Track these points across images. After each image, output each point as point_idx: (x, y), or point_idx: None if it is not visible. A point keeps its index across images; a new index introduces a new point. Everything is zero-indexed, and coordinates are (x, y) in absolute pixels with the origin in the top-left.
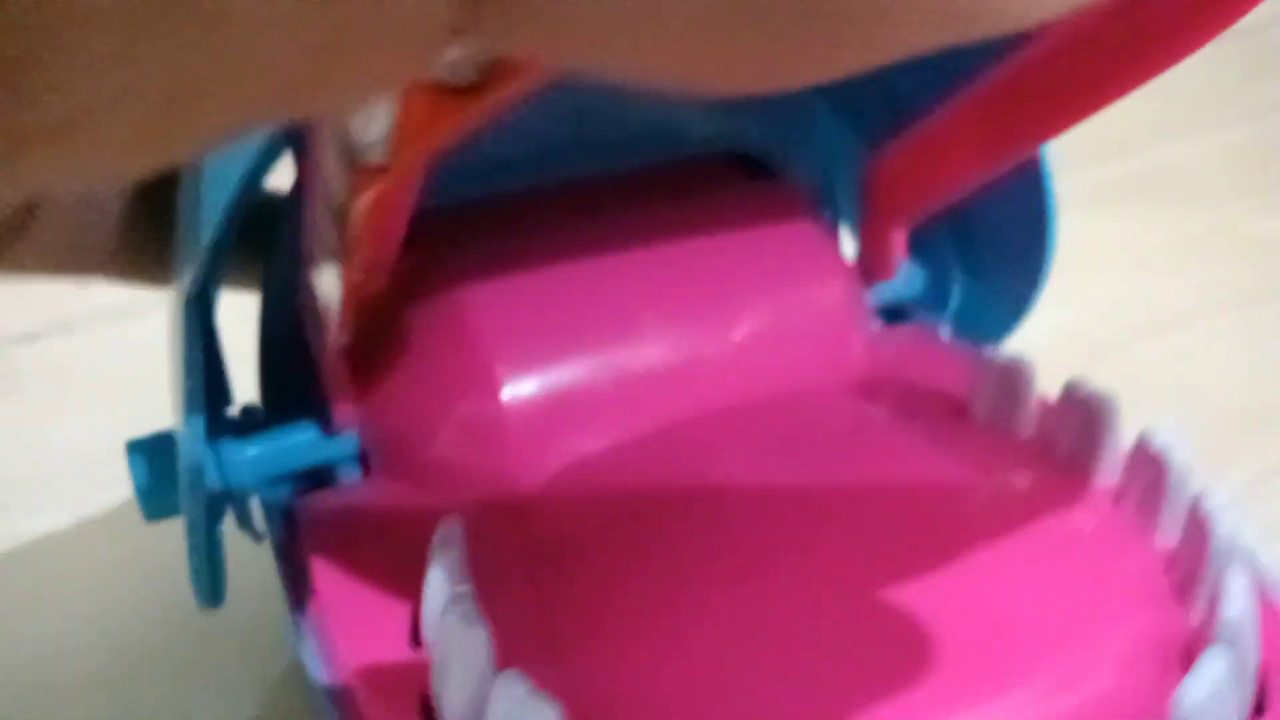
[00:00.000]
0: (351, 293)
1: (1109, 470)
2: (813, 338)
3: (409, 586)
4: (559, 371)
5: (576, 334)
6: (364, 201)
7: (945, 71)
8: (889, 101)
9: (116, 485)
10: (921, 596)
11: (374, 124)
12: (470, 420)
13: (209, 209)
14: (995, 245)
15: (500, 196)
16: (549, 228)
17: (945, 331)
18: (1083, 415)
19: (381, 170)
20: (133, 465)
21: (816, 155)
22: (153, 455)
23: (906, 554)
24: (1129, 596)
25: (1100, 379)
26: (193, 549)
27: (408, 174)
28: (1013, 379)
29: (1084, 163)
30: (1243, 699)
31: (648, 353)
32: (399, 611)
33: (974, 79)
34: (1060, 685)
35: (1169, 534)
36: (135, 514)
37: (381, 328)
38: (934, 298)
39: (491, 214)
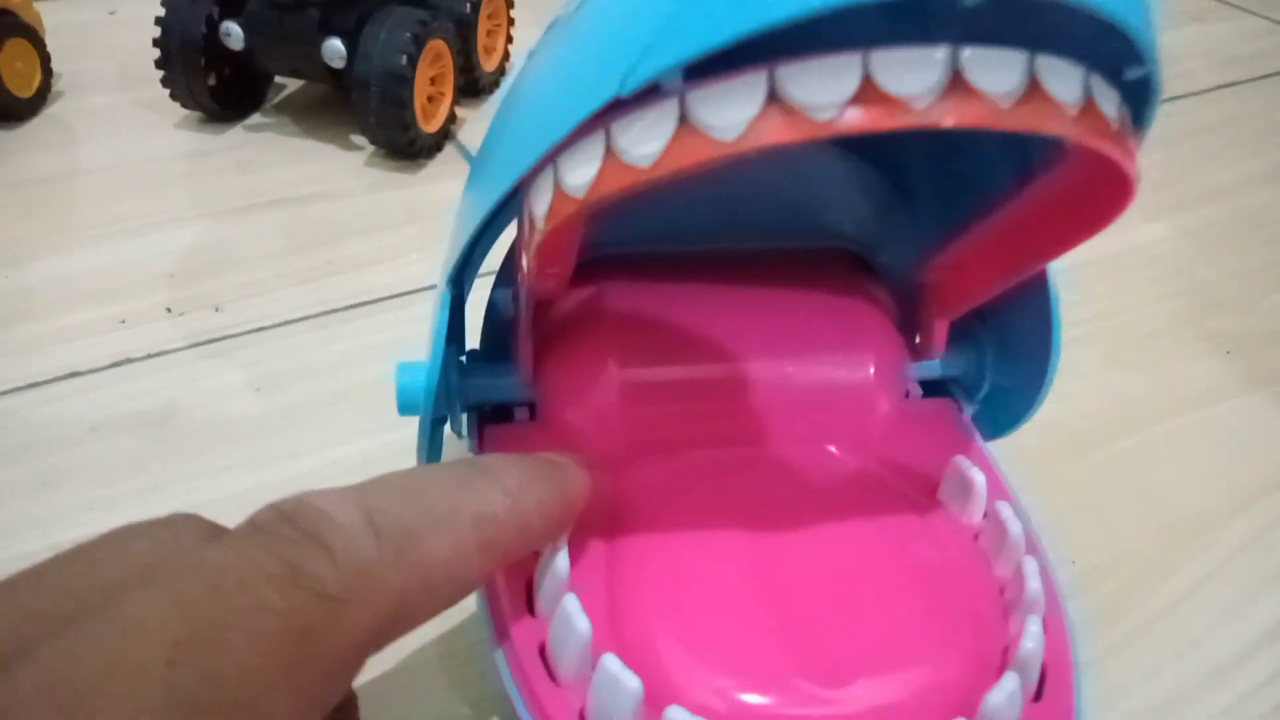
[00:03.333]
0: (537, 297)
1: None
2: (852, 389)
3: None
4: (658, 381)
5: (677, 357)
6: (535, 244)
7: (976, 206)
8: (943, 223)
9: None
10: (844, 595)
11: (540, 204)
12: (594, 401)
13: (463, 228)
14: (1018, 344)
15: (654, 254)
16: (680, 279)
17: (969, 410)
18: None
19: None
20: (399, 377)
21: (898, 256)
22: (411, 374)
23: (842, 566)
24: (977, 605)
25: (1076, 471)
26: (422, 437)
27: (559, 232)
28: (966, 481)
29: None
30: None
31: (726, 381)
32: None
33: (991, 216)
34: (930, 664)
35: (1003, 570)
36: None
37: (556, 321)
38: (972, 382)
39: (643, 263)
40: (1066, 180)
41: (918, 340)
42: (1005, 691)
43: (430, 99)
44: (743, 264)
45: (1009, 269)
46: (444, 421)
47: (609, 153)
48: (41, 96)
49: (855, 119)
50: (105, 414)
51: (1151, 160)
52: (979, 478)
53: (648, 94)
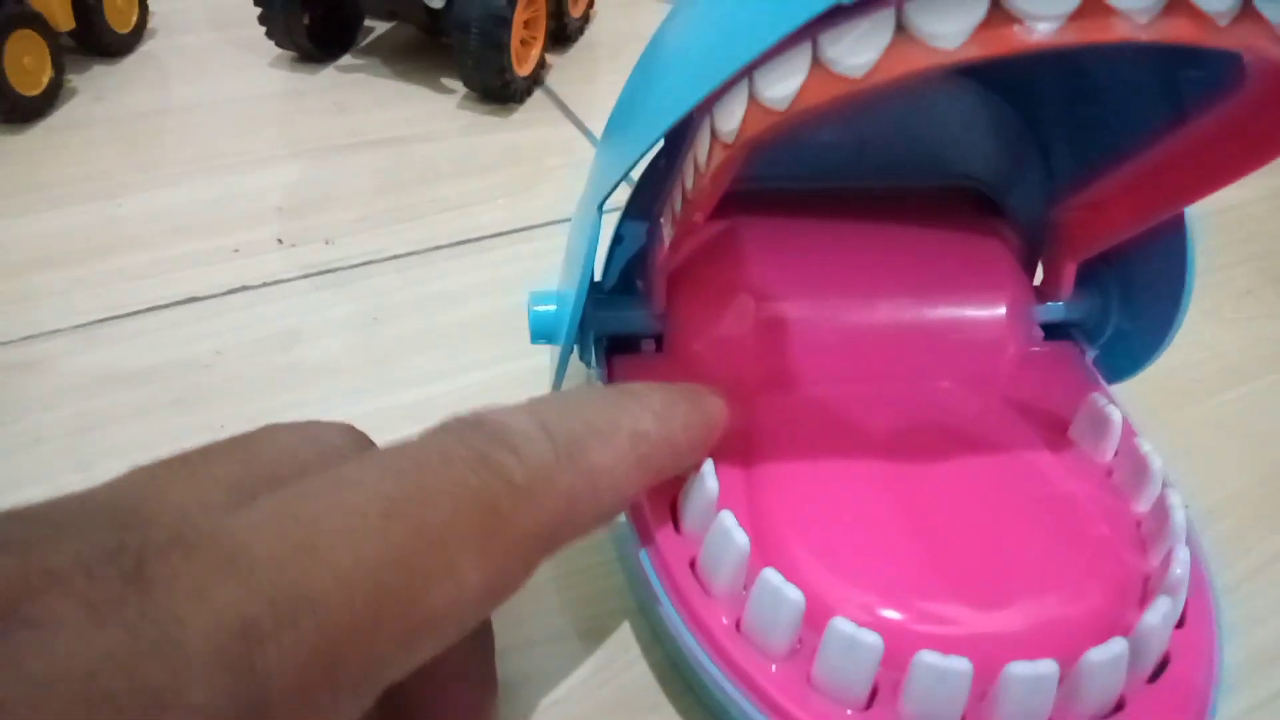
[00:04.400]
0: (682, 231)
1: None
2: (983, 328)
3: None
4: (790, 315)
5: (809, 293)
6: (712, 169)
7: (1115, 148)
8: (1078, 164)
9: None
10: (981, 523)
11: (730, 121)
12: (728, 333)
13: (618, 158)
14: (1145, 289)
15: (786, 190)
16: (811, 216)
17: (1090, 354)
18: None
19: (728, 148)
20: (532, 305)
21: (1027, 198)
22: (545, 303)
23: (978, 496)
24: (1115, 535)
25: (1182, 419)
26: (562, 362)
27: (740, 152)
28: (1102, 419)
29: None
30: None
31: (856, 317)
32: None
33: (1134, 157)
34: (1075, 587)
35: (1142, 505)
36: None
37: (691, 256)
38: (1094, 325)
39: (779, 200)
40: (1240, 106)
41: (1039, 282)
42: (1159, 614)
43: (523, 43)
44: (872, 201)
45: (1153, 208)
46: (572, 349)
47: (816, 63)
48: (138, 34)
49: (1078, 31)
50: (227, 339)
51: None
52: (1116, 415)
53: (862, 4)
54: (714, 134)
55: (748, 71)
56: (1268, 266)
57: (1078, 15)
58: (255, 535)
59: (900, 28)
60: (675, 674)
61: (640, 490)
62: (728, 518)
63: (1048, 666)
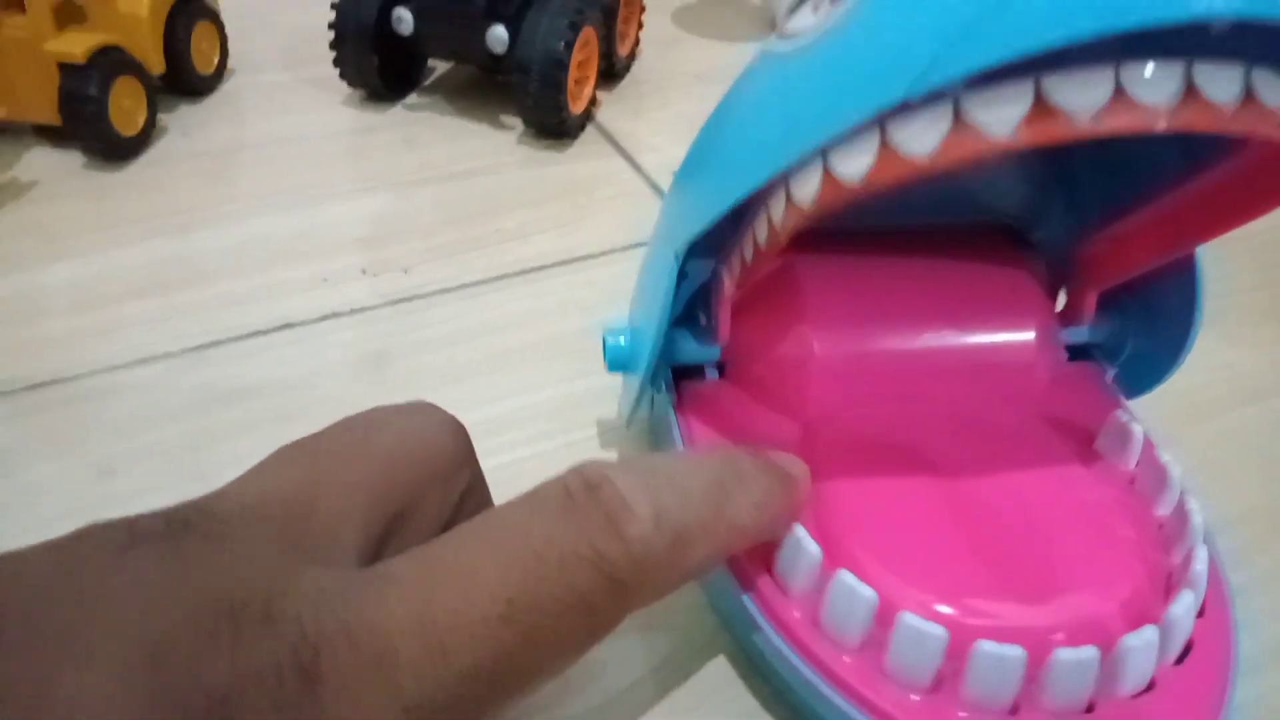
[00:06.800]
0: (752, 275)
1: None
2: (1016, 351)
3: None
4: (844, 340)
5: (860, 322)
6: (787, 229)
7: (1137, 190)
8: (1103, 203)
9: None
10: (1022, 527)
11: (805, 191)
12: (786, 359)
13: (700, 211)
14: (1160, 312)
15: (834, 229)
16: (859, 252)
17: (1110, 373)
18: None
19: (802, 214)
20: (608, 339)
21: (1054, 231)
22: (616, 336)
23: (1017, 503)
24: (1140, 537)
25: (1198, 436)
26: (635, 391)
27: (812, 217)
28: (1126, 432)
29: None
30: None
31: (903, 344)
32: None
33: (1154, 199)
34: (1108, 583)
35: (1164, 509)
36: None
37: (751, 291)
38: (1114, 347)
39: (825, 238)
40: (1246, 167)
41: (1062, 308)
42: (1184, 605)
43: (576, 81)
44: (914, 238)
45: (1170, 244)
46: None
47: (884, 146)
48: (219, 74)
49: (1109, 122)
50: (322, 361)
51: None
52: (1138, 429)
53: (928, 97)
54: (790, 200)
55: (821, 151)
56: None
57: (1107, 110)
58: (399, 633)
59: (958, 117)
60: (745, 663)
61: None
62: (800, 530)
63: (1090, 652)
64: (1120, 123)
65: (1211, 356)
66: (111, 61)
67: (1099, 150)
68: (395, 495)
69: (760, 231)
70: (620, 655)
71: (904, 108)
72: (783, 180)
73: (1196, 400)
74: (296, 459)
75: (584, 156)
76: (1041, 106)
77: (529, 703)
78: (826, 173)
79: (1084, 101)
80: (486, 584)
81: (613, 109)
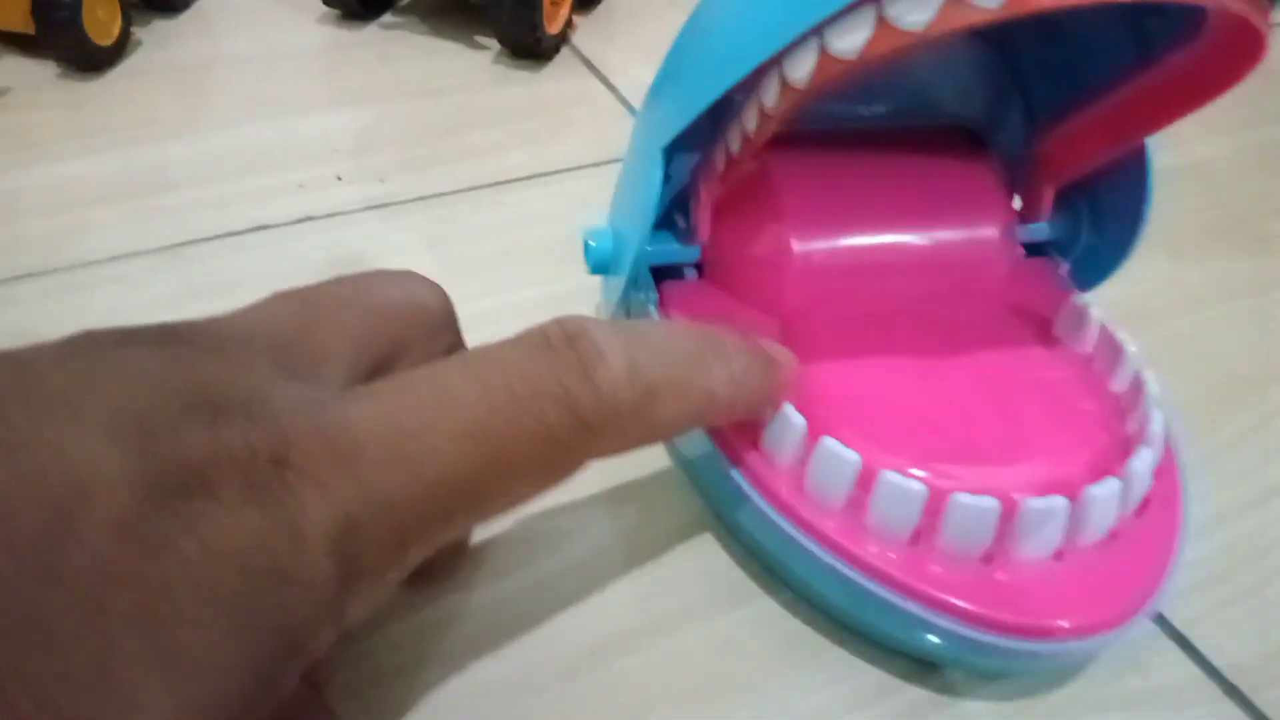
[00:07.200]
0: (733, 168)
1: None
2: (979, 248)
3: None
4: (820, 240)
5: (834, 221)
6: (780, 112)
7: (1087, 87)
8: (1054, 102)
9: None
10: (990, 402)
11: (800, 71)
12: (766, 258)
13: (684, 107)
14: (1112, 209)
15: (804, 131)
16: (830, 154)
17: (1064, 268)
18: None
19: (799, 93)
20: (590, 241)
21: (1010, 134)
22: (600, 239)
23: (985, 382)
24: (1099, 409)
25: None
26: (618, 291)
27: (808, 97)
28: (1081, 314)
29: None
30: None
31: (874, 242)
32: None
33: (1104, 95)
34: (1070, 449)
35: (1120, 384)
36: None
37: (731, 194)
38: (1067, 242)
39: (796, 140)
40: (1201, 49)
41: (1020, 207)
42: (1143, 460)
43: (553, 3)
44: (881, 141)
45: (1120, 139)
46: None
47: (881, 20)
48: None
49: None
50: (297, 262)
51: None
52: (1094, 311)
53: None
54: (785, 82)
55: (818, 29)
56: (1229, 214)
57: None
58: (370, 435)
59: None
60: (719, 536)
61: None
62: (787, 407)
63: (1059, 501)
64: None
65: (1160, 271)
66: None
67: (1048, 46)
68: (382, 341)
69: (749, 120)
70: (587, 523)
71: None
72: (774, 64)
73: (1144, 308)
74: (289, 300)
75: (558, 77)
76: None
77: (495, 565)
78: (823, 50)
79: None
80: (459, 403)
81: (588, 32)
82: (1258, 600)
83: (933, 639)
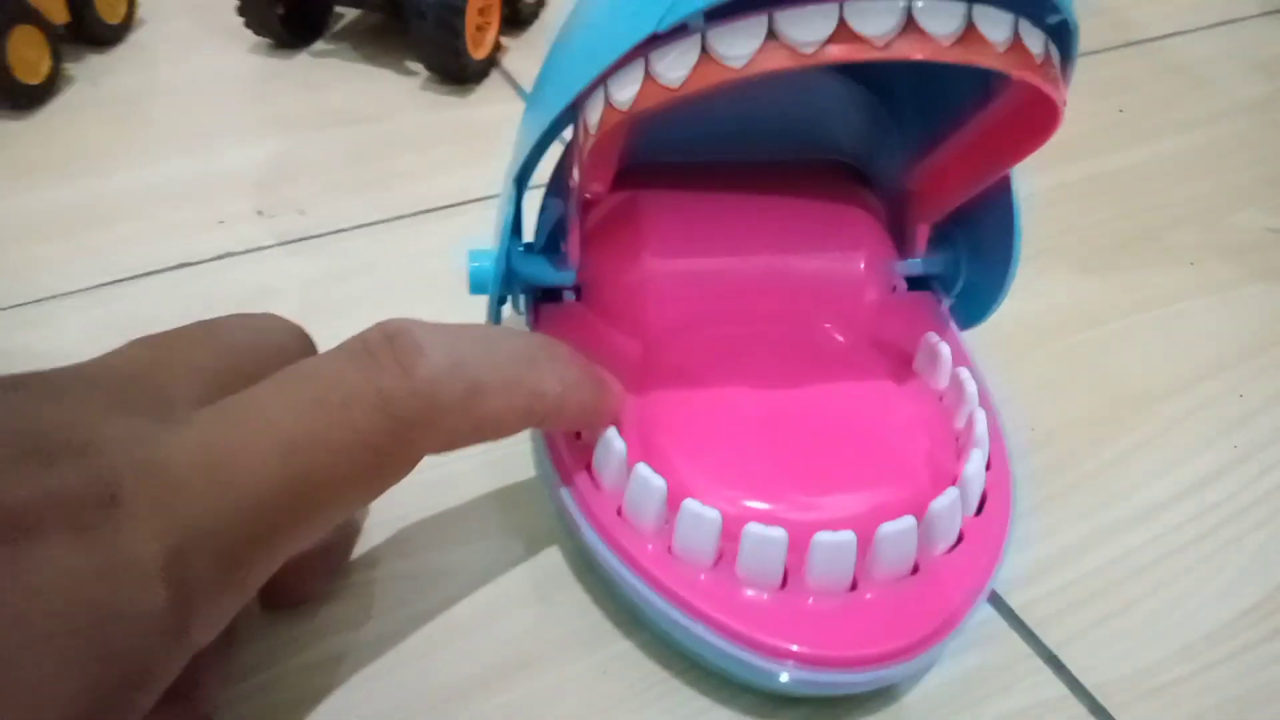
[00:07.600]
0: (581, 193)
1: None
2: (844, 278)
3: None
4: (681, 267)
5: (699, 250)
6: (602, 130)
7: (951, 119)
8: (925, 137)
9: None
10: (827, 436)
11: (625, 93)
12: (627, 283)
13: (527, 138)
14: (988, 243)
15: (681, 164)
16: (703, 186)
17: (946, 303)
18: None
19: (620, 114)
20: (471, 261)
21: (887, 168)
22: (481, 259)
23: (829, 416)
24: (934, 449)
25: (1040, 357)
26: (490, 312)
27: (607, 138)
28: (934, 352)
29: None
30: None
31: (740, 271)
32: None
33: (959, 131)
34: (883, 490)
35: (960, 421)
36: None
37: (599, 220)
38: (949, 277)
39: (671, 172)
40: (1009, 106)
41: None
42: (947, 500)
43: (479, 28)
44: (755, 174)
45: (975, 177)
46: (504, 301)
47: (648, 76)
48: (127, 24)
49: (832, 52)
50: (216, 297)
51: (1121, 100)
52: (945, 349)
53: (678, 32)
54: (608, 101)
55: (603, 80)
56: (1142, 224)
57: (833, 39)
58: (190, 463)
59: (704, 50)
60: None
61: (517, 432)
62: (611, 432)
63: (847, 536)
64: (843, 53)
65: (1060, 284)
66: (7, 10)
67: (923, 85)
68: (236, 378)
69: (581, 139)
70: (476, 559)
71: (661, 42)
72: (602, 85)
73: (1042, 325)
74: (142, 344)
75: (486, 101)
76: (774, 40)
77: (383, 603)
78: (607, 101)
79: (811, 35)
80: (270, 422)
81: (519, 54)
82: (1130, 620)
83: (727, 666)
